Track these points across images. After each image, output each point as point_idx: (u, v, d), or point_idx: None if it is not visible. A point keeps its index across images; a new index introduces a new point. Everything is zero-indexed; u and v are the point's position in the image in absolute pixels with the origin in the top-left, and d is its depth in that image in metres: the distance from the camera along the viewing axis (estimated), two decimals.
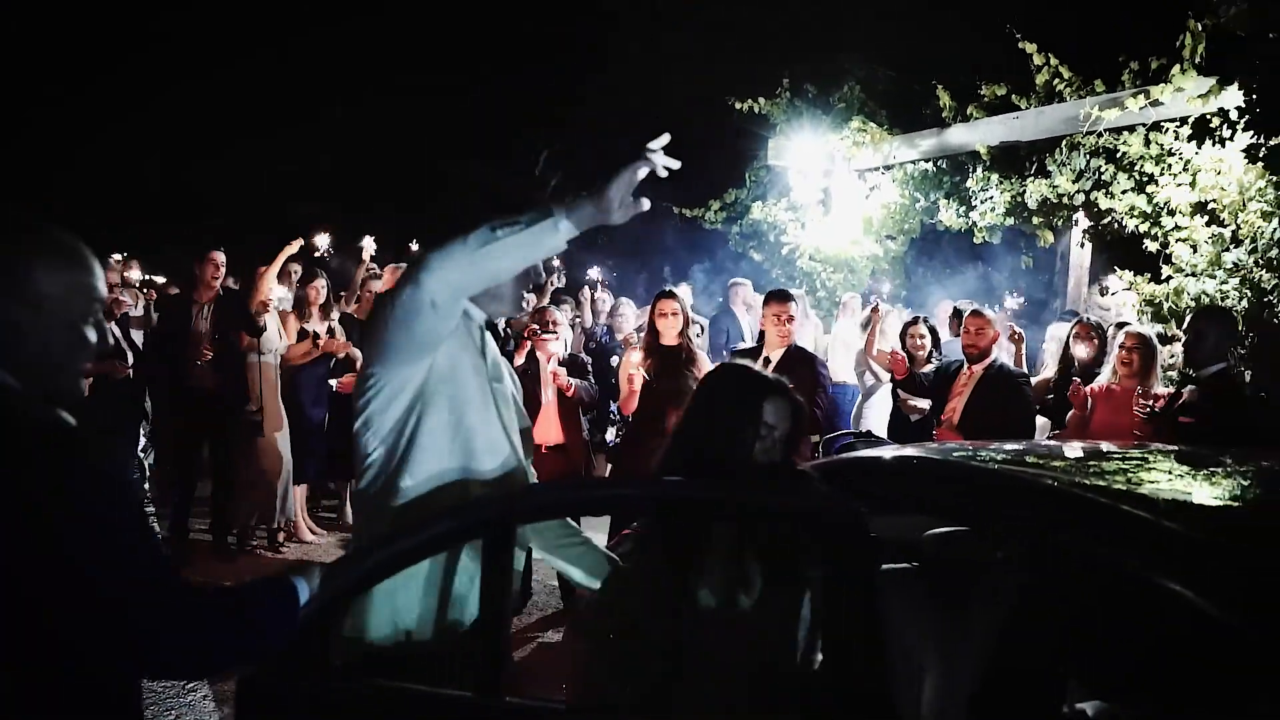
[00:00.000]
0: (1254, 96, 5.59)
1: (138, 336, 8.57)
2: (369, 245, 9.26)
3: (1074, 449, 3.17)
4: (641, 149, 2.16)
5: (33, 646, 1.61)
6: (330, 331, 7.51)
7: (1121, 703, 2.07)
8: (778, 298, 5.86)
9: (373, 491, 2.36)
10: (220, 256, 7.10)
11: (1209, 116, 6.48)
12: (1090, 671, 2.13)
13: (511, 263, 2.19)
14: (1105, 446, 3.26)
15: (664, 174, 2.19)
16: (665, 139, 2.21)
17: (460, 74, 20.90)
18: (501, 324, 3.11)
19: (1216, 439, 4.36)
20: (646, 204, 2.19)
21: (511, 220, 2.13)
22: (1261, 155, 5.65)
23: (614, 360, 7.63)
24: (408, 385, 2.31)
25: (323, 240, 8.51)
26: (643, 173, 2.13)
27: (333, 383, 7.58)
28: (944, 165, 9.51)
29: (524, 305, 2.55)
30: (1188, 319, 5.18)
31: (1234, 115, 5.99)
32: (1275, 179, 6.02)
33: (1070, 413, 5.71)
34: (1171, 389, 5.32)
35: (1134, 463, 2.59)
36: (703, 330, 9.27)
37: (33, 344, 1.72)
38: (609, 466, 7.49)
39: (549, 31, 17.88)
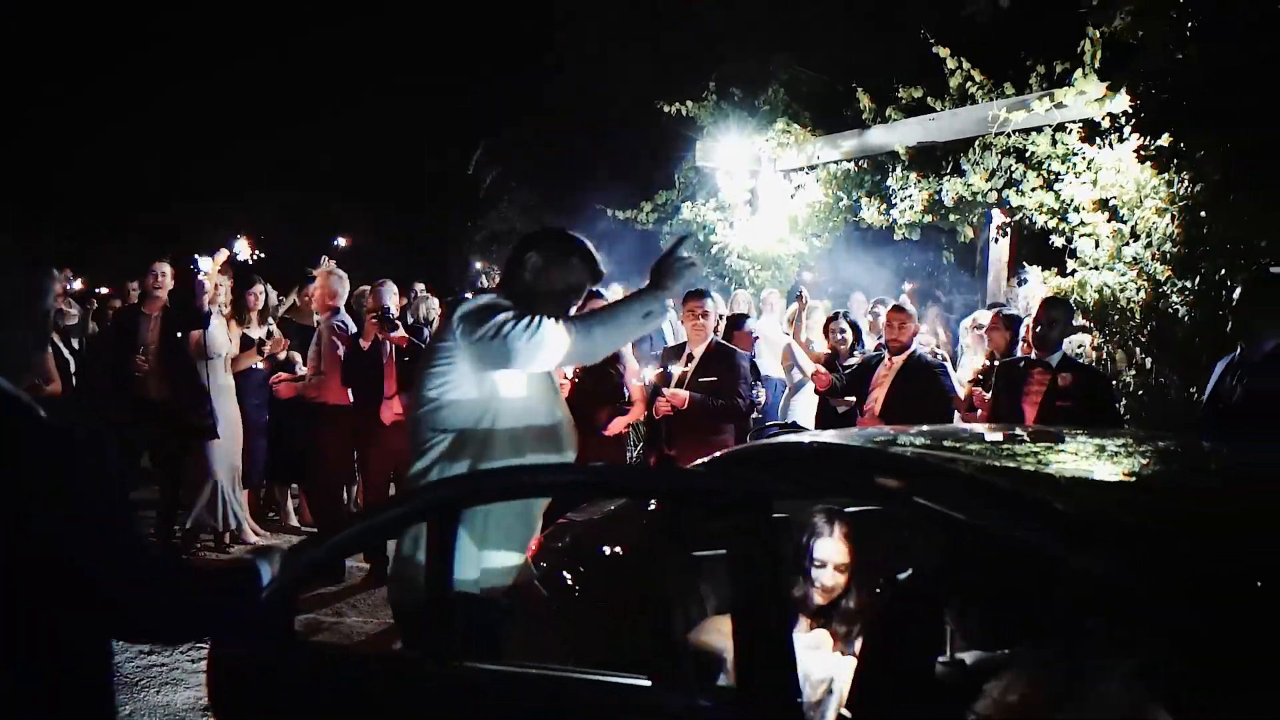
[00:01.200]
0: (1139, 101, 5.96)
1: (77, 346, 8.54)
2: (340, 244, 9.26)
3: (973, 432, 3.47)
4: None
5: (34, 646, 1.67)
6: (269, 334, 7.55)
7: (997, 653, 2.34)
8: (692, 295, 6.14)
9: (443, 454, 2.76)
10: (162, 267, 7.11)
11: (1099, 120, 6.85)
12: (970, 626, 2.40)
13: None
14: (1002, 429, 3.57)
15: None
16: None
17: (460, 74, 20.82)
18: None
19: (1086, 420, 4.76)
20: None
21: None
22: (1148, 156, 6.04)
23: None
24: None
25: (242, 246, 8.50)
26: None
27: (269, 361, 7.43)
28: (865, 165, 9.81)
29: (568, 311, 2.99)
30: (1037, 307, 5.55)
31: (1122, 119, 6.36)
32: (1167, 178, 6.42)
33: (979, 414, 6.06)
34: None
35: (1015, 442, 2.88)
36: None
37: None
38: None
39: (547, 32, 17.92)
